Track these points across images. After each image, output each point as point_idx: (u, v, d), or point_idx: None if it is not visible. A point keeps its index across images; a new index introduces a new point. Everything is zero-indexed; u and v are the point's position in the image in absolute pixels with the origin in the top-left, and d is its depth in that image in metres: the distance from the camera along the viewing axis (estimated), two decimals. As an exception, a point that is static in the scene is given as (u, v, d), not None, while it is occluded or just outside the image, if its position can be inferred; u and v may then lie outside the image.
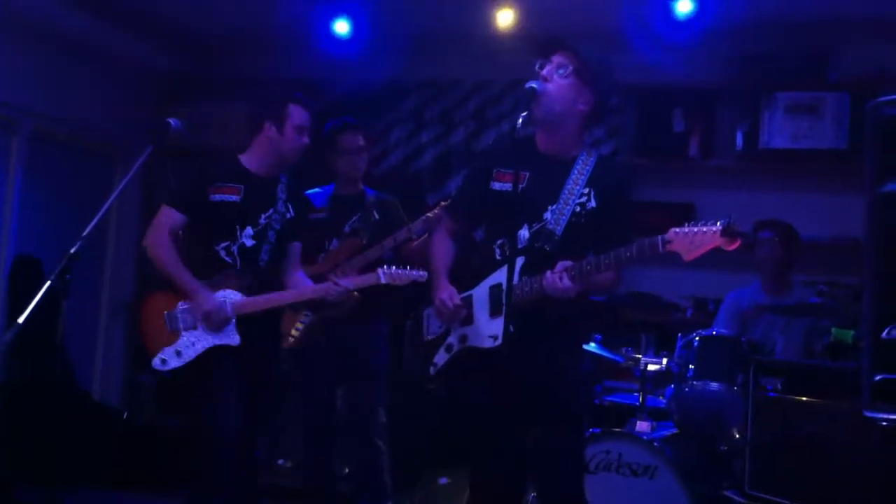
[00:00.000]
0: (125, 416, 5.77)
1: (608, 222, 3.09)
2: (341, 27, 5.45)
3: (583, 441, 3.35)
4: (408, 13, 5.64)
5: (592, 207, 3.10)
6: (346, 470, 4.83)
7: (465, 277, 3.24)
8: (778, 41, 5.61)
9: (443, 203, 4.21)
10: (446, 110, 6.26)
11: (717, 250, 2.70)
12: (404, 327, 3.49)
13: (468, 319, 3.18)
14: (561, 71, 3.10)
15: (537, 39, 3.25)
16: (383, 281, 3.81)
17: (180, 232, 3.81)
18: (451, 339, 3.23)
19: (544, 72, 3.10)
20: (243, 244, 3.73)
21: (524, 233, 3.10)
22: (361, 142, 4.60)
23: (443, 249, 3.38)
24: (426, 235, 4.27)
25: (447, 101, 6.26)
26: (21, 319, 2.77)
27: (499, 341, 3.02)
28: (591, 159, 3.17)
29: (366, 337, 4.53)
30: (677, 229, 2.71)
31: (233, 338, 3.67)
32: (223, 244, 3.72)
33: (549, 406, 3.09)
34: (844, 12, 5.31)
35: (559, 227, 3.05)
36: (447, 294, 3.18)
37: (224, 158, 3.87)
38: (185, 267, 3.71)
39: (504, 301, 2.98)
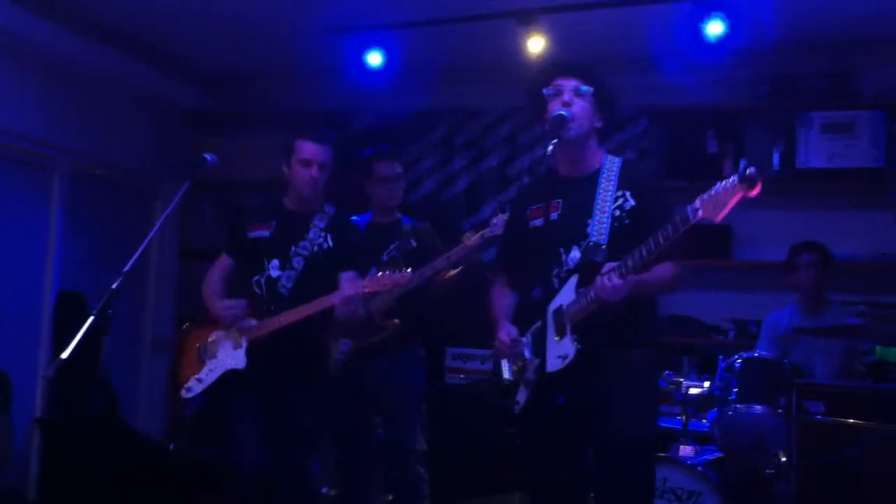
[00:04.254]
0: (171, 448, 5.80)
1: (653, 213, 3.05)
2: (374, 59, 5.45)
3: (646, 467, 3.15)
4: (438, 42, 5.68)
5: (633, 206, 3.14)
6: (390, 497, 4.82)
7: (533, 316, 3.25)
8: (810, 60, 5.59)
9: (482, 232, 4.24)
10: (478, 137, 6.27)
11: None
12: (442, 353, 3.49)
13: (539, 350, 3.18)
14: (583, 90, 3.17)
15: (537, 69, 3.32)
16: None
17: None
18: (529, 374, 3.22)
19: (565, 97, 3.16)
20: (269, 276, 3.90)
21: (575, 254, 3.13)
22: (398, 169, 4.63)
23: (499, 296, 3.43)
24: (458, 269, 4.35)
25: (478, 128, 6.28)
26: (64, 355, 2.80)
27: (568, 359, 3.03)
28: (616, 165, 3.24)
29: (403, 363, 4.53)
30: (703, 195, 2.68)
31: (239, 361, 3.79)
32: (256, 277, 3.92)
33: (614, 427, 3.06)
34: (876, 30, 5.29)
35: (603, 237, 3.09)
36: (504, 331, 3.25)
37: (264, 197, 4.17)
38: (219, 295, 3.98)
39: (553, 320, 3.09)
